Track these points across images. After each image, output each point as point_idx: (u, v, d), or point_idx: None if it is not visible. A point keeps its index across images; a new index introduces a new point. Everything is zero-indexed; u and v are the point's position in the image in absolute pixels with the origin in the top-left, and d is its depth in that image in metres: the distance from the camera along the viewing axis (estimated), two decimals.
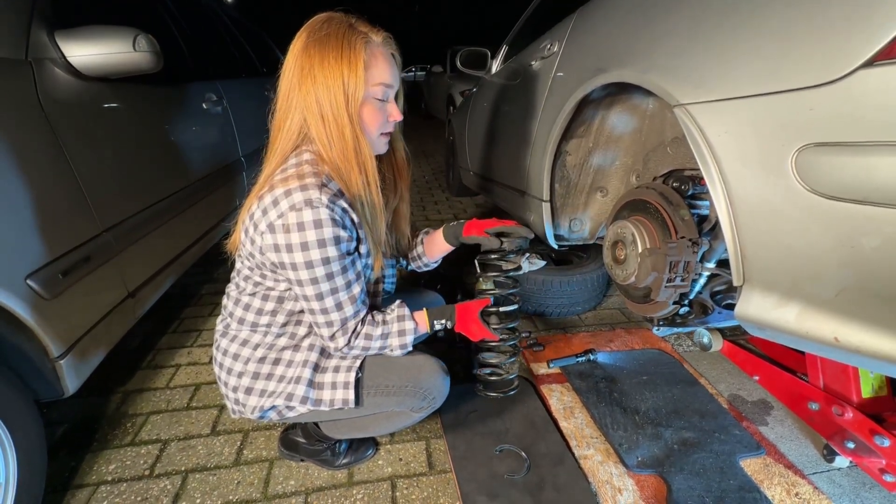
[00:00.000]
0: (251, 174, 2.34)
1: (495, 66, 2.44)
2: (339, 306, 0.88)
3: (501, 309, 1.12)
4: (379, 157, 0.99)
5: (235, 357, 0.96)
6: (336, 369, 0.96)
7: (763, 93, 0.69)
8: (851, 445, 1.05)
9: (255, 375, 0.95)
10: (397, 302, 1.02)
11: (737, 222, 0.76)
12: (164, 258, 1.53)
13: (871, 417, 0.99)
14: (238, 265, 0.97)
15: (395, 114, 0.93)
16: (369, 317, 0.96)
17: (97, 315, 1.17)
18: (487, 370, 1.26)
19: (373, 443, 1.22)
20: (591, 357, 1.54)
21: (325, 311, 0.88)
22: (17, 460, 0.91)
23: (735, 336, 1.59)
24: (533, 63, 1.70)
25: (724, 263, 0.95)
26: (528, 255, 1.16)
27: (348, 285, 0.88)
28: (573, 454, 1.18)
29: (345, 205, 0.86)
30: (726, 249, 0.79)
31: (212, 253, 1.96)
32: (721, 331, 1.46)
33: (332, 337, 0.91)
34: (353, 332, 0.92)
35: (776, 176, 0.68)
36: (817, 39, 0.62)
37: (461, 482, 1.09)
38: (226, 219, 2.02)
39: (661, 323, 1.10)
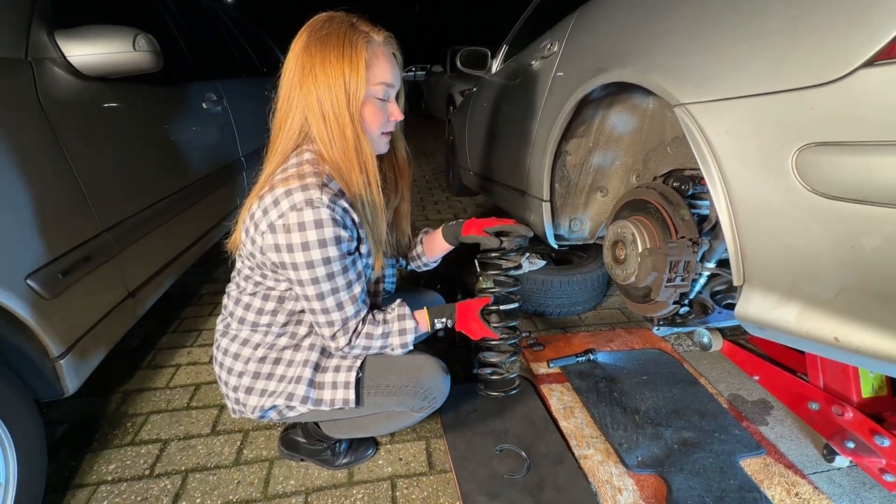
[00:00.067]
0: (251, 174, 2.34)
1: (495, 65, 2.44)
2: (339, 306, 0.88)
3: (502, 307, 1.12)
4: (380, 157, 0.99)
5: (236, 357, 0.96)
6: (336, 369, 0.96)
7: (763, 92, 0.69)
8: (851, 445, 1.05)
9: (256, 375, 0.95)
10: (398, 301, 1.02)
11: (737, 222, 0.76)
12: (164, 258, 1.53)
13: (871, 417, 0.99)
14: (238, 265, 0.97)
15: (396, 113, 0.93)
16: (370, 316, 0.96)
17: (97, 315, 1.17)
18: (488, 370, 1.26)
19: (373, 442, 1.22)
20: (591, 357, 1.54)
21: (325, 311, 0.88)
22: (17, 460, 0.91)
23: (735, 336, 1.59)
24: (533, 63, 1.70)
25: (724, 263, 0.95)
26: (528, 254, 1.16)
27: (349, 285, 0.88)
28: (573, 454, 1.18)
29: (345, 205, 0.86)
30: (726, 249, 0.80)
31: (212, 253, 1.96)
32: (721, 330, 1.46)
33: (334, 336, 0.91)
34: (354, 331, 0.92)
35: (776, 175, 0.68)
36: (818, 39, 0.62)
37: (461, 482, 1.10)
38: (226, 218, 2.02)
39: (661, 323, 1.10)
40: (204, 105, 1.91)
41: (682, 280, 0.93)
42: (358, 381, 0.96)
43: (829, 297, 0.67)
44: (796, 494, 1.06)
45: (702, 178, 0.93)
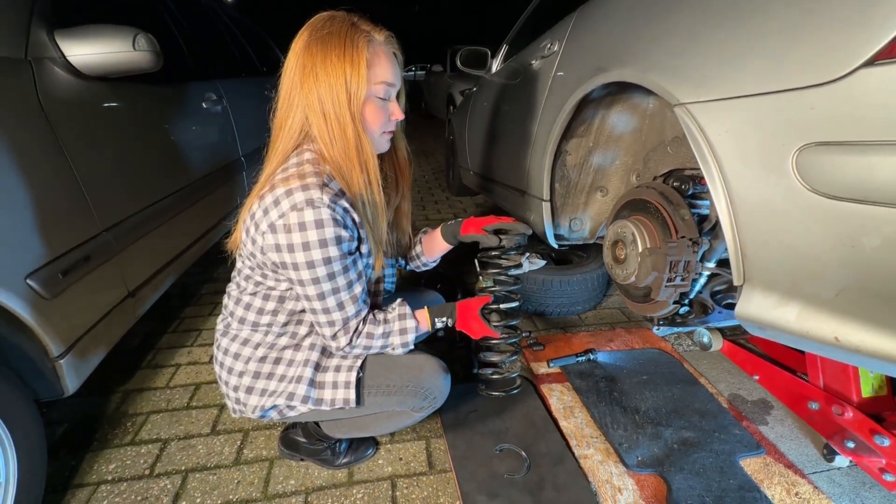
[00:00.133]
0: (251, 174, 2.34)
1: (495, 65, 2.44)
2: (340, 306, 0.88)
3: (502, 306, 1.12)
4: (381, 156, 0.99)
5: (236, 356, 0.96)
6: (337, 369, 0.96)
7: (764, 92, 0.69)
8: (851, 445, 1.05)
9: (256, 375, 0.94)
10: (398, 301, 1.02)
11: (737, 222, 0.76)
12: (164, 257, 1.53)
13: (871, 417, 1.00)
14: (239, 265, 0.97)
15: (397, 112, 0.93)
16: (371, 316, 0.96)
17: (97, 314, 1.17)
18: (489, 369, 1.26)
19: (373, 442, 1.22)
20: (591, 356, 1.54)
21: (326, 311, 0.88)
22: (17, 460, 0.91)
23: (735, 335, 1.59)
24: (533, 62, 1.70)
25: (724, 263, 0.95)
26: (528, 254, 1.16)
27: (350, 285, 0.88)
28: (573, 454, 1.18)
29: (346, 205, 0.86)
30: (726, 249, 0.80)
31: (212, 252, 1.96)
32: (721, 330, 1.46)
33: (334, 336, 0.91)
34: (355, 331, 0.92)
35: (777, 175, 0.68)
36: (818, 39, 0.63)
37: (461, 481, 1.10)
38: (226, 218, 2.02)
39: (661, 322, 1.10)
40: (204, 105, 1.90)
41: (682, 280, 0.93)
42: (358, 381, 0.96)
43: (829, 297, 0.67)
44: (796, 494, 1.06)
45: (702, 178, 0.93)
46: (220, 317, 1.03)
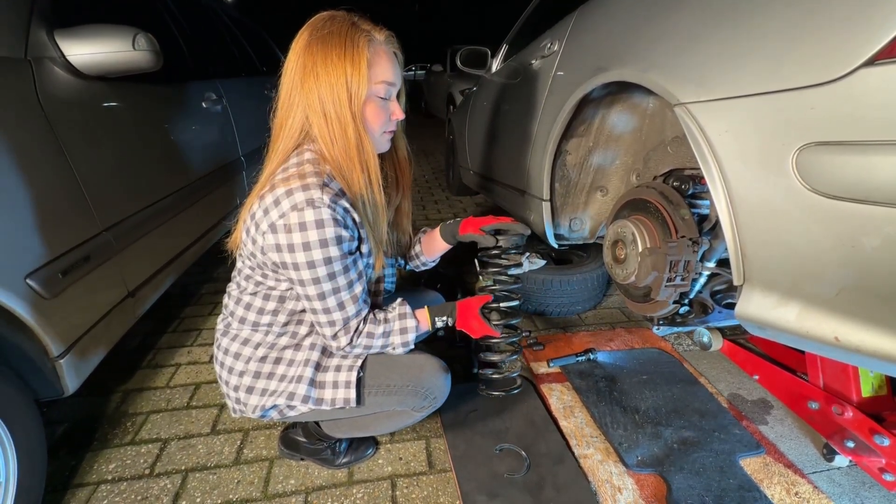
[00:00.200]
0: (251, 173, 2.34)
1: (495, 65, 2.44)
2: (341, 306, 0.88)
3: (502, 305, 1.12)
4: (381, 156, 0.99)
5: (237, 356, 0.96)
6: (337, 368, 0.96)
7: (764, 92, 0.69)
8: (851, 444, 1.05)
9: (257, 374, 0.95)
10: (398, 300, 1.02)
11: (737, 221, 0.76)
12: (164, 257, 1.53)
13: (870, 416, 1.00)
14: (239, 264, 0.97)
15: (398, 112, 0.93)
16: (371, 315, 0.96)
17: (97, 314, 1.17)
18: (489, 369, 1.26)
19: (373, 442, 1.22)
20: (591, 356, 1.54)
21: (327, 311, 0.88)
22: (17, 460, 0.91)
23: (735, 335, 1.59)
24: (533, 62, 1.70)
25: (724, 263, 0.95)
26: (528, 253, 1.16)
27: (350, 285, 0.88)
28: (573, 453, 1.18)
29: (346, 205, 0.86)
30: (726, 249, 0.80)
31: (212, 252, 1.96)
32: (721, 330, 1.46)
33: (335, 336, 0.91)
34: (356, 331, 0.92)
35: (777, 175, 0.68)
36: (818, 38, 0.62)
37: (461, 481, 1.10)
38: (226, 218, 2.02)
39: (661, 322, 1.10)
40: (204, 104, 1.90)
41: (682, 279, 0.93)
42: (359, 381, 0.96)
43: (829, 297, 0.67)
44: (796, 494, 1.06)
45: (702, 178, 0.93)
46: (221, 316, 1.03)
